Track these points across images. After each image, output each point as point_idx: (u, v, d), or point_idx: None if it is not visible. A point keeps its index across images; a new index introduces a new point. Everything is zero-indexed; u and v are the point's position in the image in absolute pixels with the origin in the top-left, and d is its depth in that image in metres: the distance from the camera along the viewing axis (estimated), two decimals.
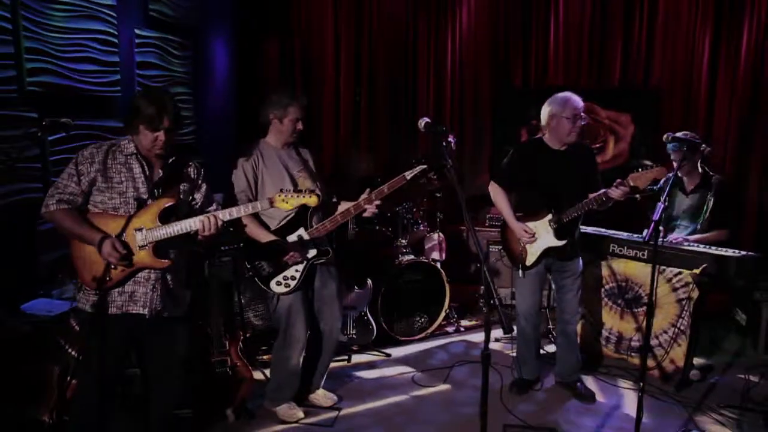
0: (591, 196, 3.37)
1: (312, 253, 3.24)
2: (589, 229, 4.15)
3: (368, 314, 4.36)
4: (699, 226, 3.99)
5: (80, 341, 2.77)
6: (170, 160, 2.59)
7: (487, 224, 5.46)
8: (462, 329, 4.92)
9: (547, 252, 3.52)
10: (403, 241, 4.79)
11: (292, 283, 3.22)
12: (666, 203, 2.97)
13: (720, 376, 4.03)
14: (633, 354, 4.02)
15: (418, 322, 4.70)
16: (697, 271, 3.65)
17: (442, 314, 4.75)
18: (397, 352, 4.42)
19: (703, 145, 3.87)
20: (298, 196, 2.61)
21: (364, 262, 4.65)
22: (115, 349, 2.51)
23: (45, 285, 3.30)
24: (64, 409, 2.81)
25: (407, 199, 4.86)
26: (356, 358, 4.28)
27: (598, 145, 5.77)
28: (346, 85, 6.32)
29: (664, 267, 3.79)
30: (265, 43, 6.19)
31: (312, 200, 2.62)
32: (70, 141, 3.46)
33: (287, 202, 2.61)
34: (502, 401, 3.60)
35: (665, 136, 3.28)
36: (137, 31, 4.35)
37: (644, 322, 3.47)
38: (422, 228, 5.04)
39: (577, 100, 3.41)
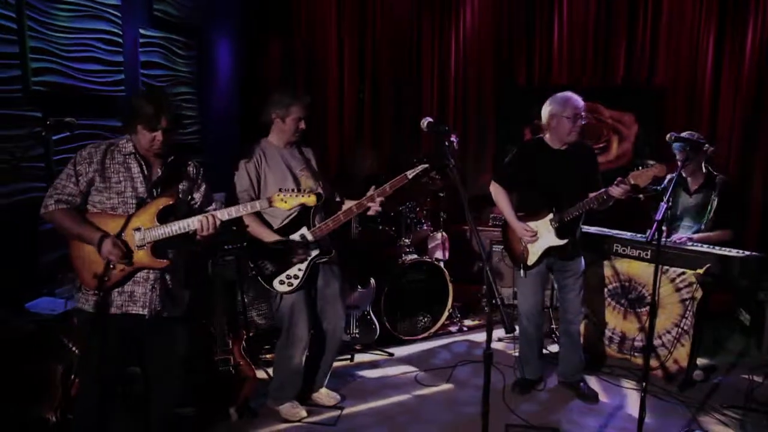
0: (591, 195, 3.37)
1: (315, 251, 3.24)
2: (593, 229, 4.15)
3: (371, 313, 4.36)
4: (703, 226, 3.98)
5: (81, 340, 2.77)
6: (169, 160, 2.58)
7: (490, 224, 5.44)
8: (465, 329, 4.92)
9: (549, 251, 3.52)
10: (407, 240, 4.79)
11: (295, 282, 3.23)
12: (669, 203, 2.96)
13: (723, 376, 4.02)
14: (636, 354, 4.01)
15: (421, 321, 4.71)
16: (700, 271, 3.64)
17: (445, 314, 4.75)
18: (400, 351, 4.43)
19: (707, 145, 3.86)
20: (297, 196, 2.60)
21: (368, 261, 4.65)
22: (114, 349, 2.51)
23: (49, 284, 3.32)
24: (69, 407, 2.82)
25: (411, 199, 4.87)
26: (359, 358, 4.29)
27: (601, 145, 5.76)
28: (350, 85, 6.32)
29: (668, 267, 3.78)
30: (268, 42, 6.19)
31: (311, 200, 2.62)
32: (74, 140, 3.47)
33: (286, 202, 2.60)
34: (504, 401, 3.60)
35: (668, 135, 3.27)
36: (142, 31, 4.36)
37: (647, 322, 3.46)
38: (425, 227, 5.04)
39: (578, 100, 3.41)
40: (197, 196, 2.68)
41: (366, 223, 4.79)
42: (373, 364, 4.22)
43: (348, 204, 3.34)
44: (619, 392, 3.79)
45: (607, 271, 4.11)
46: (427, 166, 3.29)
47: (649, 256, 3.86)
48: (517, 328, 3.79)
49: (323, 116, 6.28)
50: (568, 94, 3.43)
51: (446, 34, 6.18)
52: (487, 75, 6.16)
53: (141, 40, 4.36)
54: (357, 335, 4.33)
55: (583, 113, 3.41)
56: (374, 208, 3.26)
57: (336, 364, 3.77)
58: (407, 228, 4.83)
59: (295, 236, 3.20)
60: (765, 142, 5.40)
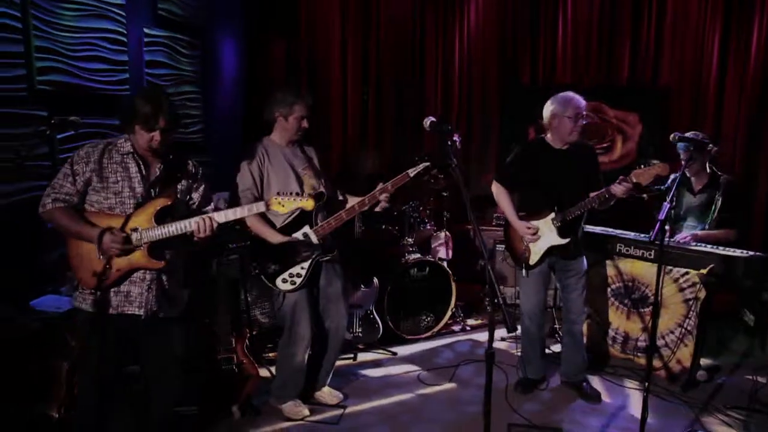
0: (592, 194, 3.37)
1: (317, 250, 3.24)
2: (597, 229, 4.14)
3: (374, 313, 4.37)
4: (707, 226, 3.97)
5: (80, 339, 2.77)
6: (168, 159, 2.56)
7: (493, 223, 5.45)
8: (468, 328, 4.92)
9: (551, 250, 3.52)
10: (410, 239, 4.79)
11: (298, 281, 3.23)
12: (673, 203, 2.95)
13: (727, 376, 4.01)
14: (639, 354, 4.00)
15: (424, 320, 4.71)
16: (704, 271, 3.63)
17: (448, 313, 4.75)
18: (402, 350, 4.43)
19: (710, 145, 3.85)
20: (294, 200, 2.58)
21: (371, 260, 4.66)
22: (111, 348, 2.51)
23: (54, 282, 3.33)
24: (73, 404, 2.83)
25: (414, 198, 4.87)
26: (362, 357, 4.29)
27: (605, 145, 5.75)
28: (354, 84, 6.33)
29: (671, 267, 3.78)
30: (273, 42, 6.20)
31: (309, 204, 2.60)
32: (78, 139, 3.48)
33: (284, 206, 2.57)
34: (507, 400, 3.60)
35: (672, 135, 3.26)
36: (146, 30, 4.38)
37: (651, 323, 3.45)
38: (429, 227, 5.04)
39: (579, 100, 3.41)
40: (195, 196, 2.67)
41: (369, 222, 4.79)
42: (376, 363, 4.22)
43: (351, 202, 3.34)
44: (622, 392, 3.78)
45: (611, 271, 4.11)
46: (428, 164, 3.29)
47: (652, 256, 3.85)
48: (519, 327, 3.79)
49: (327, 116, 6.29)
50: (570, 94, 3.43)
51: (450, 33, 6.19)
52: (491, 74, 6.16)
53: (146, 40, 4.38)
54: (360, 334, 4.34)
55: (584, 113, 3.41)
56: (382, 204, 3.27)
57: (339, 362, 3.78)
58: (410, 227, 4.83)
59: (298, 235, 3.20)
60: None
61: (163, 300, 2.56)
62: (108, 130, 3.77)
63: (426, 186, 5.03)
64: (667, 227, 3.14)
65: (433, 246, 5.10)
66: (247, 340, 3.43)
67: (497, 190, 3.63)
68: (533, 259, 3.54)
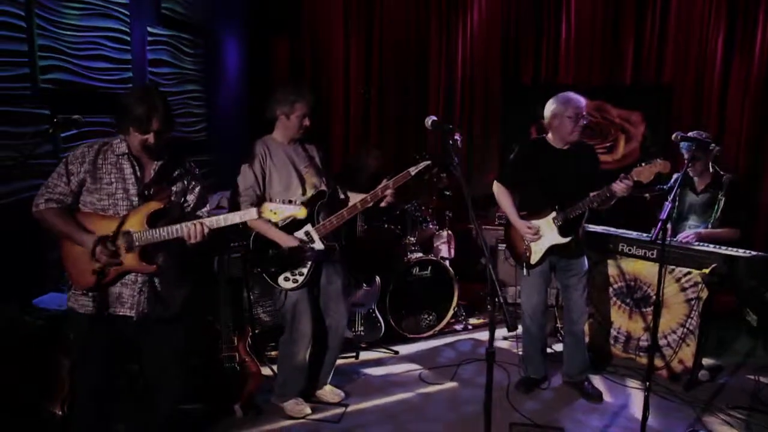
0: (593, 194, 3.36)
1: (319, 248, 3.25)
2: (599, 228, 4.14)
3: (376, 311, 4.37)
4: (710, 226, 3.96)
5: (75, 339, 2.76)
6: (163, 161, 2.53)
7: (496, 222, 5.45)
8: (470, 327, 4.92)
9: (552, 250, 3.51)
10: (412, 238, 4.79)
11: (300, 279, 3.24)
12: (675, 202, 2.95)
13: (729, 376, 4.00)
14: (641, 354, 4.00)
15: (426, 319, 4.71)
16: (706, 270, 3.63)
17: (450, 312, 4.75)
18: (404, 349, 4.44)
19: (712, 145, 3.84)
20: (286, 210, 2.51)
21: (373, 259, 4.66)
22: (106, 349, 2.51)
23: (56, 280, 3.35)
24: (75, 401, 2.85)
25: (417, 197, 4.87)
26: (364, 355, 4.30)
27: (608, 144, 5.74)
28: (356, 83, 6.33)
29: (674, 267, 3.77)
30: (275, 41, 6.21)
31: (302, 213, 2.55)
32: (81, 138, 3.50)
33: (276, 214, 2.51)
34: (508, 399, 3.61)
35: (674, 135, 3.26)
36: (149, 29, 4.40)
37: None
38: (431, 226, 5.04)
39: (579, 100, 3.41)
40: (191, 198, 2.63)
41: (371, 221, 4.80)
42: (377, 362, 4.23)
43: (353, 200, 3.35)
44: (624, 392, 3.78)
45: (613, 271, 4.10)
46: (429, 162, 3.30)
47: (654, 256, 3.85)
48: (520, 327, 3.79)
49: (329, 115, 6.29)
50: (570, 94, 3.44)
51: (453, 32, 6.18)
52: (493, 74, 6.15)
53: (149, 38, 4.39)
54: (362, 333, 4.34)
55: (584, 113, 3.41)
56: (387, 199, 3.27)
57: (341, 361, 3.79)
58: (413, 226, 4.83)
59: (300, 233, 3.21)
60: None
61: (156, 302, 2.53)
62: (111, 129, 3.77)
63: (429, 185, 5.04)
64: (668, 226, 3.14)
65: (435, 245, 5.10)
66: (249, 339, 3.44)
67: (498, 190, 3.63)
68: (534, 258, 3.55)
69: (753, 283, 3.66)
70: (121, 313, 2.48)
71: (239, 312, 3.83)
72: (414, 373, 4.05)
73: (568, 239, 3.47)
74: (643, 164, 3.19)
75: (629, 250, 3.99)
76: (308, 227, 3.22)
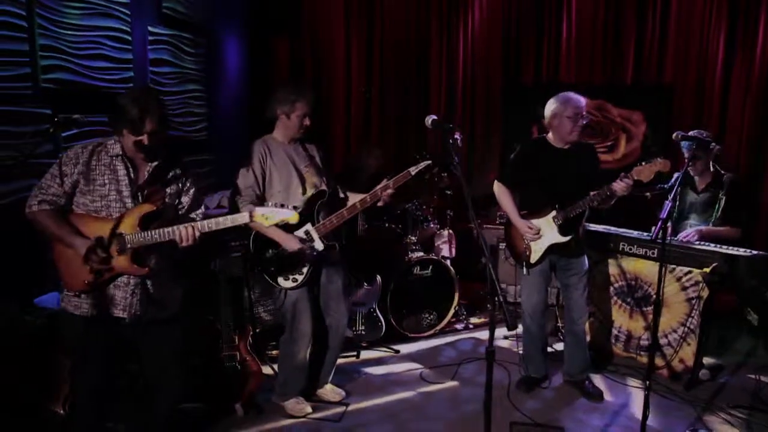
0: (593, 193, 3.36)
1: (319, 248, 3.25)
2: (599, 228, 4.14)
3: (377, 311, 4.38)
4: (710, 225, 3.96)
5: (70, 340, 2.76)
6: (157, 162, 2.51)
7: (497, 222, 5.45)
8: (471, 326, 4.93)
9: (552, 249, 3.52)
10: (413, 238, 4.80)
11: (300, 278, 3.24)
12: (676, 201, 2.95)
13: (730, 376, 4.00)
14: (642, 353, 4.00)
15: (427, 318, 4.71)
16: (707, 270, 3.63)
17: (451, 311, 4.76)
18: (405, 348, 4.44)
19: (713, 144, 3.84)
20: (278, 214, 2.48)
21: (374, 258, 4.66)
22: (104, 349, 2.51)
23: (57, 279, 3.34)
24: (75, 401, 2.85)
25: (418, 197, 4.87)
26: (365, 354, 4.30)
27: (609, 143, 5.74)
28: (357, 84, 6.33)
29: (674, 266, 3.77)
30: (276, 40, 6.21)
31: (294, 218, 2.52)
32: (82, 137, 3.51)
33: (268, 219, 2.48)
34: (509, 398, 3.61)
35: (675, 134, 3.26)
36: (150, 29, 4.40)
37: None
38: (432, 225, 5.04)
39: (579, 100, 3.41)
40: (185, 200, 2.61)
41: (372, 220, 4.80)
42: (378, 361, 4.23)
43: (353, 200, 3.35)
44: (624, 391, 3.78)
45: (614, 270, 4.10)
46: (429, 162, 3.30)
47: (655, 255, 3.85)
48: (520, 326, 3.79)
49: (330, 115, 6.29)
50: (570, 93, 3.44)
51: (454, 32, 6.18)
52: (494, 73, 6.15)
53: (150, 38, 4.40)
54: (363, 332, 4.35)
55: (584, 113, 3.41)
56: (384, 199, 3.28)
57: (341, 360, 3.79)
58: (414, 225, 4.83)
59: (300, 233, 3.21)
60: None
61: (149, 304, 2.51)
62: (111, 129, 3.78)
63: (430, 184, 5.04)
64: (669, 226, 3.14)
65: (436, 244, 5.10)
66: (250, 338, 3.44)
67: (499, 190, 3.63)
68: (534, 257, 3.55)
69: (754, 283, 3.66)
70: (115, 315, 2.47)
71: (240, 311, 3.84)
72: (415, 372, 4.05)
73: (568, 238, 3.47)
74: (643, 163, 3.19)
75: (630, 249, 3.99)
76: (308, 227, 3.22)
